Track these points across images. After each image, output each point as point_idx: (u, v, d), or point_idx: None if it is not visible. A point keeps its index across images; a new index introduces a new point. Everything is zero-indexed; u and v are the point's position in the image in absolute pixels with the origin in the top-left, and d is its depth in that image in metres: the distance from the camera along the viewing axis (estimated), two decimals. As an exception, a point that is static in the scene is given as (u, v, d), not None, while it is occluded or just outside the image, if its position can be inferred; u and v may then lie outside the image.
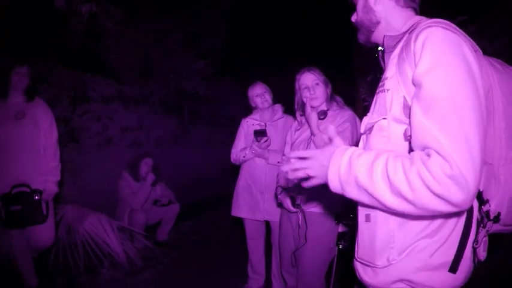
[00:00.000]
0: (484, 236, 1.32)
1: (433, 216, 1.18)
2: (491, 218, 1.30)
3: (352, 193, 1.23)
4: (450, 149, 1.04)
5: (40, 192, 3.31)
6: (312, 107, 2.75)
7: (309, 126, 2.73)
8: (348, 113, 2.76)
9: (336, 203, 2.66)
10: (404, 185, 1.08)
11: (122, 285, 3.79)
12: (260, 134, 3.53)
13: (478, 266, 1.34)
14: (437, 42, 1.16)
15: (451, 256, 1.24)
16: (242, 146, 3.79)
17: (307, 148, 2.73)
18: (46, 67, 5.93)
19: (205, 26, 9.44)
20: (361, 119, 2.85)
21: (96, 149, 6.58)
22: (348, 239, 2.59)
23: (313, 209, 2.69)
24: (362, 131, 1.46)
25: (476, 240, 1.27)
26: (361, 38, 1.56)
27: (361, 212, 1.39)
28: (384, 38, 1.41)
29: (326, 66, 3.10)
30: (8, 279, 3.52)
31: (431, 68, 1.12)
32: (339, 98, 2.91)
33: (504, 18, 3.82)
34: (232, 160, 3.83)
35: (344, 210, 2.67)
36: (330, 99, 2.84)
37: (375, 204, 1.19)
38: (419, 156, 1.09)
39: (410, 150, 1.20)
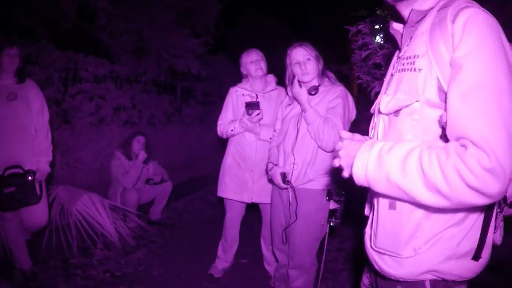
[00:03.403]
0: (501, 221, 1.32)
1: None
2: (508, 202, 1.29)
3: (381, 189, 1.18)
4: (489, 138, 0.99)
5: (33, 173, 3.30)
6: (303, 82, 2.73)
7: (299, 102, 2.72)
8: (339, 89, 2.74)
9: (327, 179, 2.67)
10: (441, 180, 1.03)
11: (115, 265, 3.78)
12: (252, 106, 3.27)
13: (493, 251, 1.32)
14: (480, 25, 1.11)
15: (475, 243, 1.22)
16: (230, 118, 3.52)
17: (297, 124, 2.72)
18: (38, 48, 5.86)
19: (197, 4, 9.36)
20: (355, 96, 2.86)
21: (88, 129, 6.56)
22: (339, 216, 2.58)
23: (304, 185, 2.68)
24: (384, 111, 1.35)
25: (494, 226, 1.26)
26: None
27: (383, 198, 1.32)
28: (410, 12, 1.33)
29: (321, 43, 3.04)
30: (1, 261, 3.51)
31: (473, 52, 1.08)
32: (330, 74, 2.88)
33: None
34: (218, 133, 3.57)
35: (335, 187, 2.67)
36: (322, 74, 2.81)
37: (405, 198, 1.15)
38: (454, 149, 1.04)
39: (443, 136, 1.16)
